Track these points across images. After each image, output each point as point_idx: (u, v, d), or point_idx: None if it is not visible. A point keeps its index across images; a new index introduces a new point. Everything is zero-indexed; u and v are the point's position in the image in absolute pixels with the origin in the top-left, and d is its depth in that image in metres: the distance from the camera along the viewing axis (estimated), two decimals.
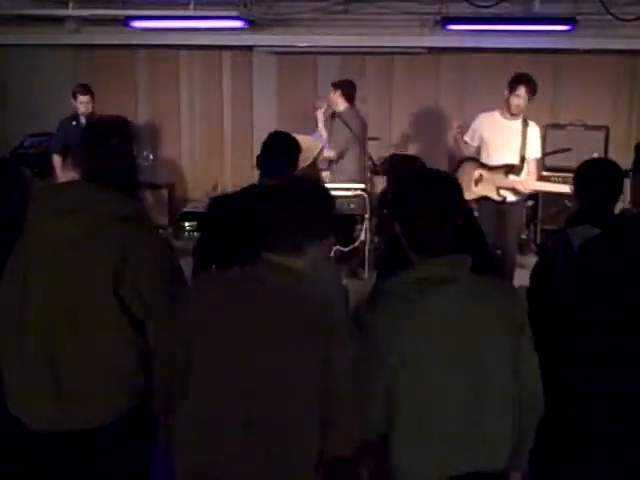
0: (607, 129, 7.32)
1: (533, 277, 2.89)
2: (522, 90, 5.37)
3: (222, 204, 3.57)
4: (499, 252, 5.65)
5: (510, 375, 2.16)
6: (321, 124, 6.49)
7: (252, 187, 3.39)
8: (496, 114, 5.61)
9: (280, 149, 3.43)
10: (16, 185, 2.89)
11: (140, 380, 2.40)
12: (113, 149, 2.48)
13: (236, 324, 2.02)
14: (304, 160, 3.57)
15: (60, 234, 2.33)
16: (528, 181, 5.49)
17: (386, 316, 2.11)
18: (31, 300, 2.36)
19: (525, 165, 5.50)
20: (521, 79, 5.40)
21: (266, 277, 2.04)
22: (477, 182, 5.58)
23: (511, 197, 5.52)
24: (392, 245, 3.18)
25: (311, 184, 2.21)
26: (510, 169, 5.45)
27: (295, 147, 3.46)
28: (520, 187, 5.43)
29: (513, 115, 5.47)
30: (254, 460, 2.00)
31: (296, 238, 2.04)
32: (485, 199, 5.53)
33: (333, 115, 6.50)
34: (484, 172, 5.54)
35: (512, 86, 5.40)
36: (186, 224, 7.65)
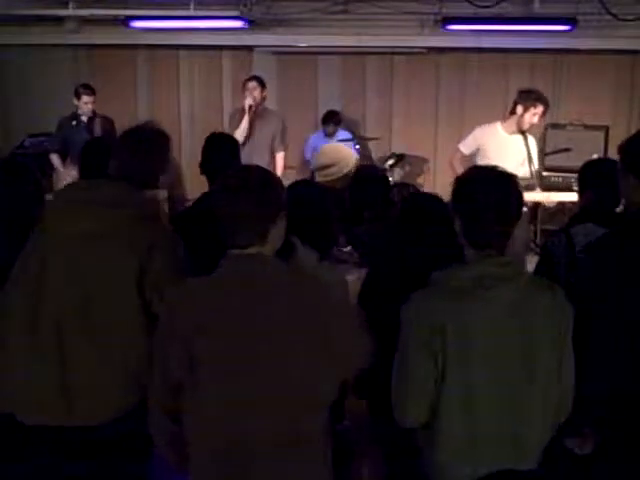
0: (607, 129, 7.31)
1: (535, 275, 2.89)
2: (540, 108, 5.25)
3: (183, 217, 3.54)
4: None
5: (556, 377, 2.17)
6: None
7: (207, 194, 3.35)
8: (498, 127, 5.47)
9: (223, 148, 3.45)
10: (33, 184, 2.92)
11: (144, 378, 2.38)
12: (149, 159, 2.61)
13: (235, 329, 2.00)
14: (340, 170, 3.51)
15: (78, 232, 2.35)
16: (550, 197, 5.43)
17: (446, 307, 2.11)
18: (45, 297, 2.37)
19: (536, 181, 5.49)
20: (540, 98, 5.27)
21: (243, 272, 2.03)
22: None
23: None
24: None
25: (252, 171, 2.16)
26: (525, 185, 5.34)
27: (229, 144, 3.49)
28: (529, 198, 5.24)
29: (521, 131, 5.36)
30: (269, 457, 2.02)
31: (251, 226, 2.03)
32: None
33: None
34: None
35: (531, 103, 5.22)
36: None
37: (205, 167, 3.38)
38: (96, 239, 2.35)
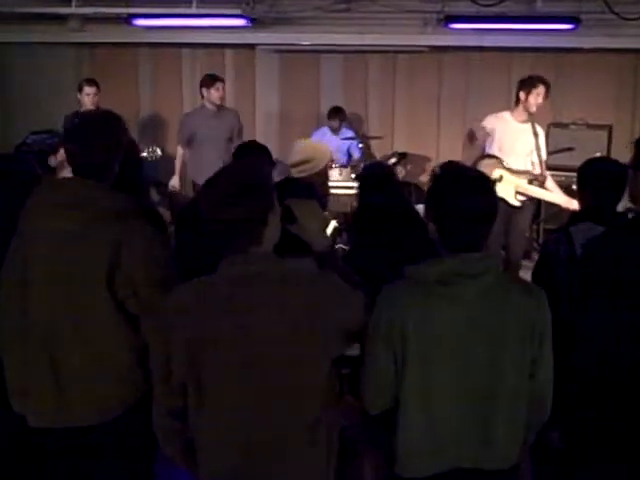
0: (610, 128, 7.31)
1: (535, 275, 2.89)
2: (542, 88, 5.46)
3: (190, 209, 3.51)
4: (503, 253, 5.68)
5: (526, 378, 2.15)
6: None
7: None
8: (507, 116, 5.65)
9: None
10: (13, 182, 2.87)
11: (139, 377, 2.39)
12: (92, 147, 2.43)
13: (238, 331, 2.00)
14: (313, 166, 3.48)
15: (55, 231, 2.33)
16: (571, 201, 5.25)
17: (407, 302, 2.10)
18: (30, 297, 2.37)
19: (548, 177, 5.62)
20: (539, 78, 5.50)
21: (242, 273, 2.02)
22: (495, 182, 5.46)
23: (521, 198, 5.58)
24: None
25: (233, 175, 2.11)
26: (534, 178, 5.55)
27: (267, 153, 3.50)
28: (539, 194, 5.56)
29: (531, 115, 5.55)
30: (279, 457, 2.03)
31: (243, 232, 2.02)
32: (500, 200, 5.47)
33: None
34: (505, 174, 5.51)
35: (532, 85, 5.46)
36: None
37: None
38: (69, 239, 2.32)
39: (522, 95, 5.50)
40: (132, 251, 2.33)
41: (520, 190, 5.54)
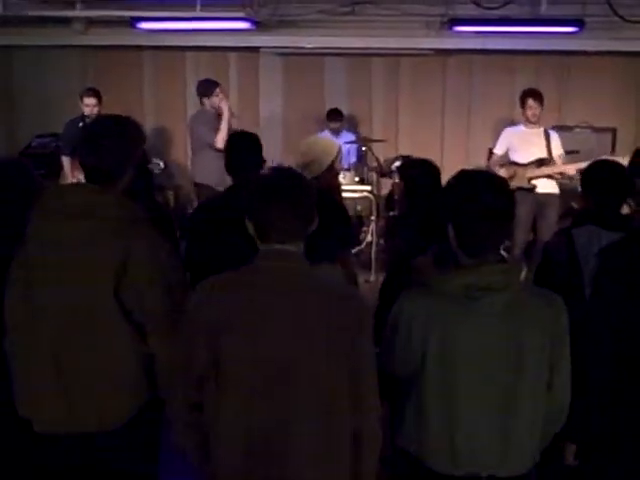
0: (614, 131, 7.30)
1: (536, 276, 2.88)
2: (530, 101, 6.21)
3: (205, 209, 3.51)
4: (506, 255, 5.69)
5: (544, 388, 2.16)
6: None
7: (233, 187, 3.33)
8: (521, 127, 6.39)
9: (248, 146, 3.41)
10: (19, 187, 2.84)
11: (143, 385, 2.40)
12: (105, 150, 2.41)
13: (262, 324, 2.03)
14: (320, 164, 3.44)
15: (62, 238, 2.32)
16: (555, 166, 6.19)
17: (429, 313, 2.13)
18: (37, 305, 2.36)
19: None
20: (527, 93, 6.27)
21: (274, 268, 2.06)
22: (511, 178, 5.98)
23: (545, 188, 6.14)
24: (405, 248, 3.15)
25: (290, 173, 2.20)
26: (542, 162, 6.16)
27: (258, 141, 3.44)
28: (549, 171, 6.15)
29: (533, 123, 6.25)
30: (293, 457, 2.03)
31: (291, 225, 2.07)
32: (519, 189, 5.93)
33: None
34: (518, 169, 6.20)
35: (522, 101, 6.28)
36: None
37: (231, 166, 3.34)
38: (75, 246, 2.30)
39: (521, 111, 6.33)
40: (137, 259, 2.31)
41: (530, 176, 6.14)
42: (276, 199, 2.06)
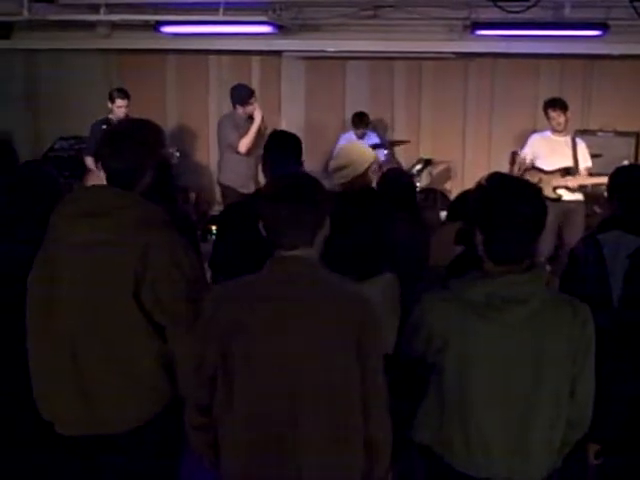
0: (637, 135, 7.24)
1: (562, 283, 2.87)
2: (551, 112, 6.24)
3: (236, 209, 3.52)
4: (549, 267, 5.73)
5: (566, 396, 2.15)
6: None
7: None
8: (548, 133, 6.37)
9: (287, 147, 3.40)
10: (42, 190, 2.87)
11: (164, 386, 2.41)
12: (125, 153, 2.44)
13: (273, 326, 2.04)
14: (355, 169, 3.45)
15: (82, 239, 2.33)
16: (576, 179, 6.19)
17: (449, 318, 2.12)
18: (57, 306, 2.38)
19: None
20: (547, 104, 6.29)
21: (288, 272, 2.08)
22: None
23: (569, 196, 6.17)
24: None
25: (301, 178, 2.21)
26: (567, 171, 6.19)
27: (298, 142, 3.43)
28: (571, 184, 6.15)
29: (559, 132, 6.25)
30: (304, 457, 2.04)
31: (297, 231, 2.08)
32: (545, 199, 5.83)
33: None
34: (543, 176, 6.19)
35: (546, 112, 6.29)
36: (213, 228, 7.69)
37: (276, 165, 3.30)
38: (96, 247, 2.32)
39: (547, 120, 6.33)
40: (156, 261, 2.33)
41: (555, 184, 6.16)
42: (283, 204, 2.07)
